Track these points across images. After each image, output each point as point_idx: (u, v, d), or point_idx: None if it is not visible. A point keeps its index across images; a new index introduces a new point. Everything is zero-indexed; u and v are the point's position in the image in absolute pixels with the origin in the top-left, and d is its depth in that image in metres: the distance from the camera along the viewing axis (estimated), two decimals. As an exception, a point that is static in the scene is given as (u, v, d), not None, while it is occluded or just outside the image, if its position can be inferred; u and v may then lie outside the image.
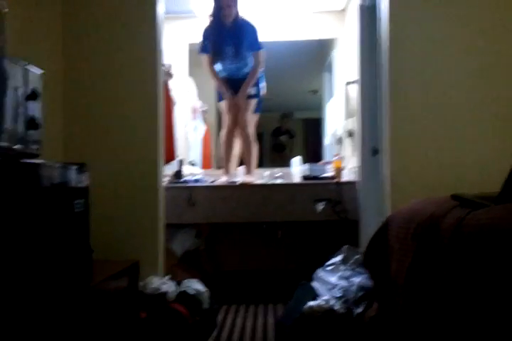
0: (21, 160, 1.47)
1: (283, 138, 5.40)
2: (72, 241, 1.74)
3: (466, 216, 1.61)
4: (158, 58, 3.01)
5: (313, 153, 5.30)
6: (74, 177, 1.74)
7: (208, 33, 3.93)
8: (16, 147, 1.59)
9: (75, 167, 1.74)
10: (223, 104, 4.09)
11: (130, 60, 2.97)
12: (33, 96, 1.69)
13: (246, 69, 4.00)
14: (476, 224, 1.53)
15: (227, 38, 3.88)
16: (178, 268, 3.56)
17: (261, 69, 4.04)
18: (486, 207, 1.61)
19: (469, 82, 2.87)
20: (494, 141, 2.83)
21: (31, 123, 1.68)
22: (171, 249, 3.60)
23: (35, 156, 1.70)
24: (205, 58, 3.96)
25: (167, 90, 3.73)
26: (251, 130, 4.03)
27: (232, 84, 4.01)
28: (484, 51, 2.85)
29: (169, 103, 3.77)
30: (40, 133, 1.75)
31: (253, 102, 4.07)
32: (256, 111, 4.21)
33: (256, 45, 3.89)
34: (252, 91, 4.04)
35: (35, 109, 1.71)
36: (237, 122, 4.00)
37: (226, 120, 4.05)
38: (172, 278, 2.81)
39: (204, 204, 3.60)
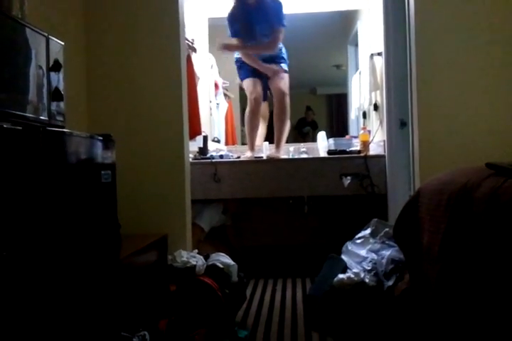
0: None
1: (306, 129, 5.45)
2: (99, 213, 1.73)
3: (502, 184, 1.57)
4: (181, 32, 2.97)
5: (338, 129, 5.27)
6: (101, 147, 1.74)
7: (234, 17, 3.84)
8: (42, 118, 1.58)
9: (102, 138, 1.73)
10: (246, 83, 4.02)
11: (152, 33, 2.93)
12: (55, 67, 1.67)
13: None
14: (513, 192, 1.49)
15: (256, 16, 3.78)
16: (205, 244, 3.58)
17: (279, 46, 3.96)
18: (523, 174, 1.57)
19: (498, 52, 2.83)
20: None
21: (55, 95, 1.66)
22: (199, 224, 3.61)
23: (61, 128, 1.69)
24: (238, 42, 3.89)
25: (191, 64, 3.68)
26: (287, 102, 3.97)
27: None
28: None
29: (193, 77, 3.73)
30: (65, 105, 1.74)
31: (287, 77, 4.01)
32: None
33: (279, 21, 3.78)
34: (284, 66, 3.99)
35: (58, 80, 1.69)
36: (259, 102, 3.94)
37: (251, 98, 3.97)
38: (200, 253, 2.82)
39: (229, 179, 3.59)
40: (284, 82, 3.94)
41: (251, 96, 3.95)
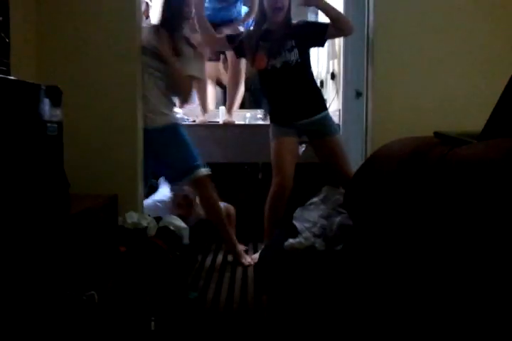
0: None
1: None
2: (45, 166, 1.68)
3: (448, 152, 1.61)
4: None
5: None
6: (47, 98, 1.67)
7: None
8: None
9: (48, 88, 1.66)
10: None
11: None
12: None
13: (231, 14, 3.80)
14: (458, 159, 1.53)
15: None
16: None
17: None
18: (468, 143, 1.61)
19: (455, 24, 2.89)
20: (478, 83, 2.84)
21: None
22: None
23: (5, 75, 1.62)
24: None
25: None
26: (241, 67, 3.88)
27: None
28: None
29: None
30: (10, 52, 1.66)
31: None
32: None
33: None
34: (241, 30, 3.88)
35: (2, 26, 1.61)
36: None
37: None
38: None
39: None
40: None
41: None
